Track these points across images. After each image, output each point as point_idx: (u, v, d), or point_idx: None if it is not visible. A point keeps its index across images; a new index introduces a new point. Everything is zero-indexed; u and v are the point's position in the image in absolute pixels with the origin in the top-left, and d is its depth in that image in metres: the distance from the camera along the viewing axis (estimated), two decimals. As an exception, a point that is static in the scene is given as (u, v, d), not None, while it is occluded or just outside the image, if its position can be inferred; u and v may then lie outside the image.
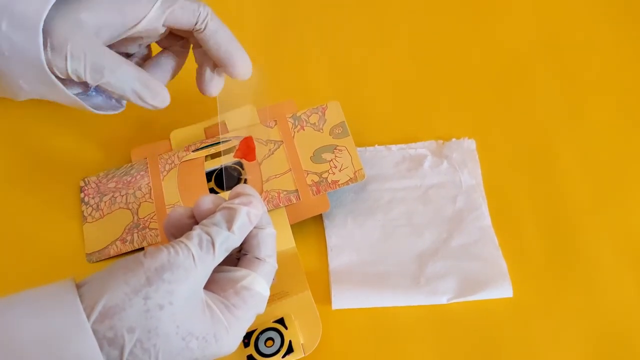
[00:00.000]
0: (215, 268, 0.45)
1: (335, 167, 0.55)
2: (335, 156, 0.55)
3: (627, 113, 0.62)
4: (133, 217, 0.55)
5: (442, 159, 0.59)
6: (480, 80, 0.64)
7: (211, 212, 0.46)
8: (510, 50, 0.67)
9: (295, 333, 0.49)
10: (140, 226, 0.55)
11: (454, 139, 0.59)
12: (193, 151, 0.57)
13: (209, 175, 0.56)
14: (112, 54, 0.51)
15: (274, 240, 0.47)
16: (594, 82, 0.64)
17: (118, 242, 0.55)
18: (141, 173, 0.57)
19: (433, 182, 0.58)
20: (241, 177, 0.55)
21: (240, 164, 0.56)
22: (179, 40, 0.55)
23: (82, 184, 0.58)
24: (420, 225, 0.55)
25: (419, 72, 0.65)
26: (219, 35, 0.53)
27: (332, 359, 0.50)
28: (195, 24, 0.52)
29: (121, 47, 0.54)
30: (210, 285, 0.45)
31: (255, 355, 0.49)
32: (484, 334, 0.51)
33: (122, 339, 0.40)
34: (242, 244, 0.46)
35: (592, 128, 0.61)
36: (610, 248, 0.54)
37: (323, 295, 0.52)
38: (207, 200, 0.46)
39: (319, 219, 0.56)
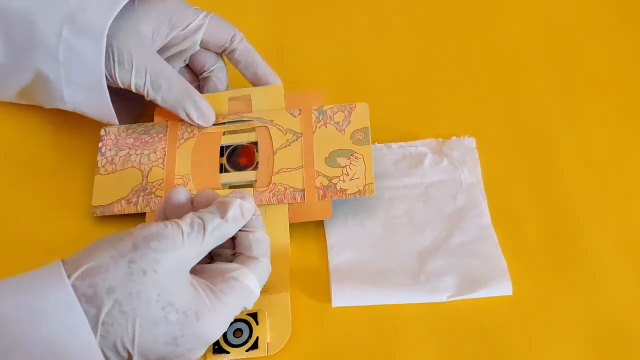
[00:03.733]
0: (209, 262, 0.46)
1: (347, 174, 0.54)
2: (350, 162, 0.55)
3: (628, 110, 0.62)
4: (142, 180, 0.56)
5: (442, 157, 0.59)
6: (480, 78, 0.65)
7: (208, 205, 0.47)
8: (510, 47, 0.67)
9: (264, 331, 0.49)
10: (147, 190, 0.56)
11: (453, 137, 0.60)
12: (214, 125, 0.58)
13: (223, 149, 0.57)
14: (170, 70, 0.56)
15: (268, 244, 0.48)
16: (595, 79, 0.64)
17: (123, 202, 0.56)
18: (160, 135, 0.58)
19: (433, 180, 0.58)
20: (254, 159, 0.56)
21: (256, 145, 0.57)
22: (211, 64, 0.60)
23: (102, 132, 0.59)
24: (421, 223, 0.55)
25: (419, 70, 0.65)
26: (251, 58, 0.58)
27: (332, 356, 0.50)
28: (231, 42, 0.57)
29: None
30: (200, 274, 0.46)
31: (222, 342, 0.49)
32: (484, 331, 0.51)
33: (101, 298, 0.41)
34: (236, 244, 0.48)
35: (593, 125, 0.61)
36: (610, 246, 0.54)
37: (323, 293, 0.52)
38: (205, 193, 0.48)
39: (319, 217, 0.56)
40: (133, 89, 0.56)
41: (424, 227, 0.55)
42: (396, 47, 0.67)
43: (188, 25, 0.57)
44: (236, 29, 0.58)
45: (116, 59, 0.54)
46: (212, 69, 0.60)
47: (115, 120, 0.57)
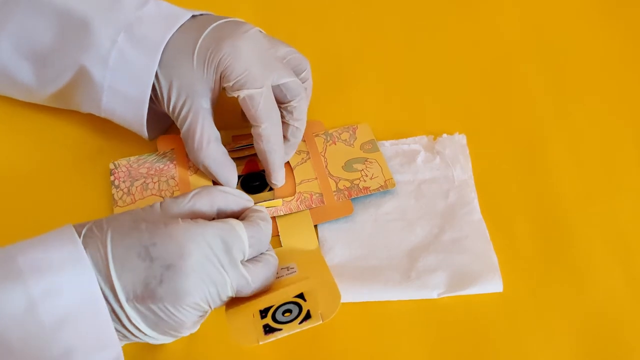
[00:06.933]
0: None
1: (367, 175, 0.57)
2: (366, 167, 0.58)
3: (616, 107, 0.62)
4: None
5: (434, 154, 0.59)
6: (470, 75, 0.65)
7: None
8: (499, 45, 0.67)
9: (314, 303, 0.47)
10: None
11: (445, 135, 0.60)
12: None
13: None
14: (210, 126, 0.54)
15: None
16: (583, 77, 0.64)
17: None
18: (174, 162, 0.58)
19: (426, 177, 0.58)
20: (267, 183, 0.57)
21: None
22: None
23: (112, 166, 0.58)
24: (412, 220, 0.55)
25: (410, 67, 0.66)
26: (270, 147, 0.54)
27: (322, 352, 0.50)
28: (254, 122, 0.54)
29: None
30: None
31: (272, 323, 0.47)
32: (474, 328, 0.51)
33: (88, 223, 0.45)
34: None
35: (582, 122, 0.61)
36: (600, 243, 0.54)
37: (313, 290, 0.52)
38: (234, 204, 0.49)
39: (310, 214, 0.56)
40: (173, 119, 0.55)
41: (415, 224, 0.55)
42: (387, 46, 0.67)
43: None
44: (267, 121, 0.53)
45: (173, 91, 0.54)
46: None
47: (145, 133, 0.57)
